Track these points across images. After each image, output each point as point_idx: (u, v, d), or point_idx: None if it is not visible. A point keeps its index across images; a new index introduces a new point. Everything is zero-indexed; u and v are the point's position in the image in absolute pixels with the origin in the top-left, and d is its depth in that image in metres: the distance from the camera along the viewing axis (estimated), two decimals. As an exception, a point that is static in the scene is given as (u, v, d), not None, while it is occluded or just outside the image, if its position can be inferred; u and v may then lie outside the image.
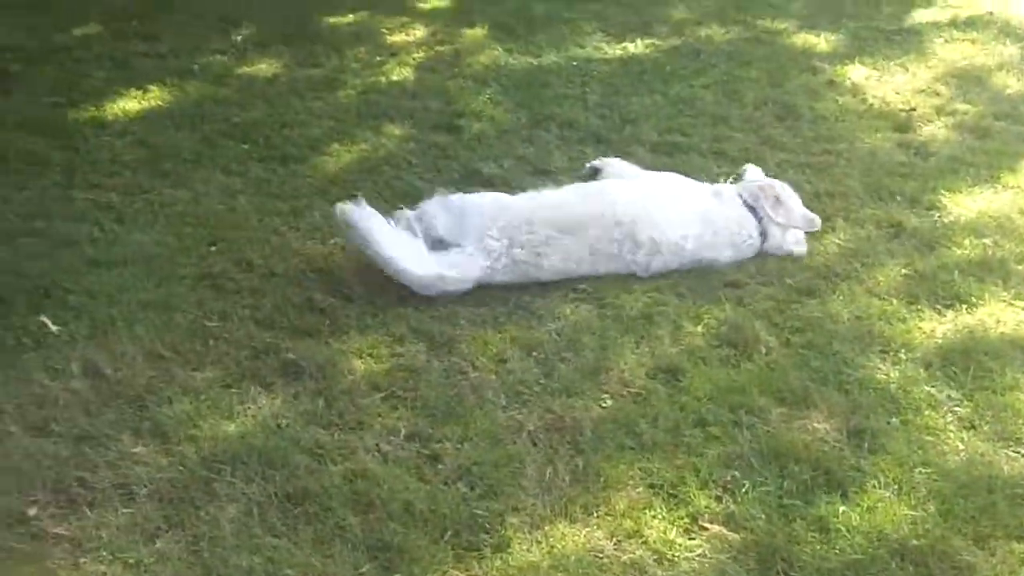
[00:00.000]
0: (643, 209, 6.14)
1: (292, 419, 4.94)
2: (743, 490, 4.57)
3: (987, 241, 6.46)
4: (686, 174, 7.07)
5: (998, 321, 5.74)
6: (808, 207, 6.54)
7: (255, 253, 6.24)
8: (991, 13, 10.39)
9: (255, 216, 6.68)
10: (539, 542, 4.32)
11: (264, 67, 9.09)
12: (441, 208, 6.14)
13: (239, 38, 9.68)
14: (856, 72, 8.98)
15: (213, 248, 6.32)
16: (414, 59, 9.26)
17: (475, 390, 5.17)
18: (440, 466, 4.69)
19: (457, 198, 6.21)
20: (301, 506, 4.46)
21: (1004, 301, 5.89)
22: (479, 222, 5.96)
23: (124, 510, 4.43)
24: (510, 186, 7.00)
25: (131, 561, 4.19)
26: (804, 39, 9.78)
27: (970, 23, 10.15)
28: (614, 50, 9.49)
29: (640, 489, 4.59)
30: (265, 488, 4.53)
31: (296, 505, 4.46)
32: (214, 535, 4.32)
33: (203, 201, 6.87)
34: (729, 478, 4.64)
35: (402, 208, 6.23)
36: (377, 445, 4.80)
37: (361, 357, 5.37)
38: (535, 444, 4.84)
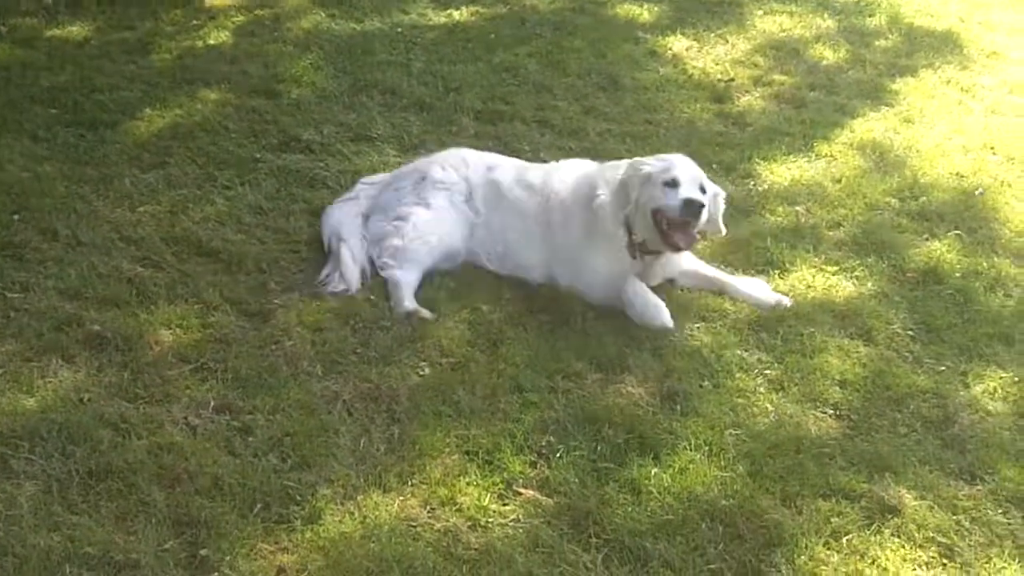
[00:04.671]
0: None
1: (95, 393, 4.77)
2: (558, 455, 4.58)
3: (799, 208, 6.62)
4: (508, 143, 7.10)
5: (808, 286, 5.89)
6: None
7: (60, 222, 6.01)
8: (809, -14, 10.63)
9: (61, 183, 6.43)
10: (352, 513, 4.26)
11: (75, 30, 8.77)
12: None
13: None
14: (677, 43, 9.09)
15: (16, 217, 6.06)
16: (233, 23, 9.03)
17: (289, 360, 5.06)
18: (251, 438, 4.58)
19: None
20: (104, 482, 4.30)
21: (815, 266, 6.04)
22: None
23: (-89, 490, 4.22)
24: (330, 153, 6.90)
25: (-83, 544, 3.99)
26: (627, 10, 9.85)
27: (789, -4, 10.36)
28: (439, 17, 9.42)
29: (456, 456, 4.57)
30: (65, 464, 4.37)
31: (98, 481, 4.31)
32: (10, 514, 4.14)
33: (7, 168, 6.59)
34: (544, 443, 4.66)
35: None
36: (185, 418, 4.66)
37: (170, 327, 5.22)
38: (350, 414, 4.77)
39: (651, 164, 5.72)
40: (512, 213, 5.95)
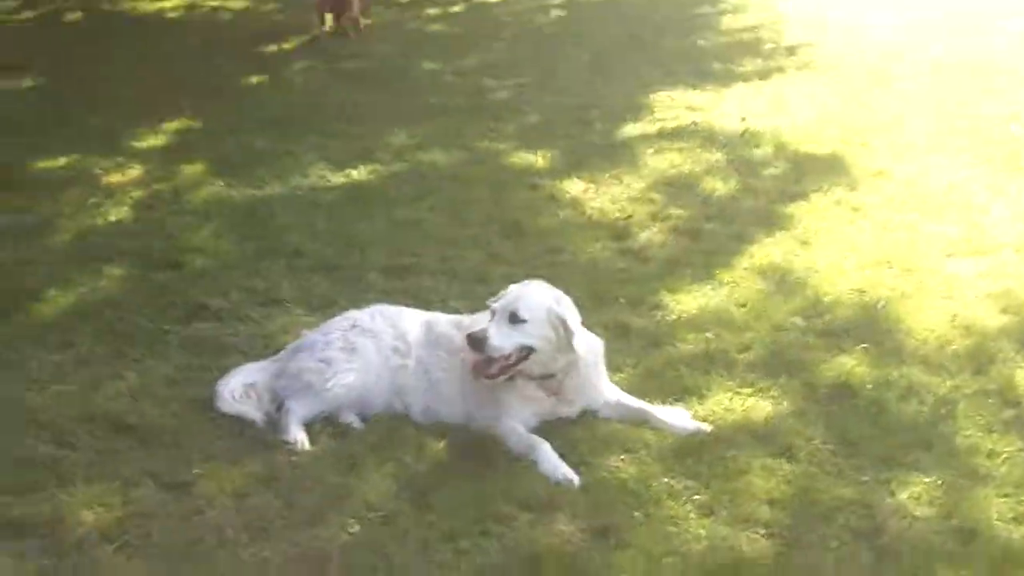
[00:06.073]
0: None
1: (18, 581, 4.64)
2: (498, 602, 4.55)
3: (709, 335, 6.74)
4: (417, 295, 7.17)
5: (727, 409, 5.98)
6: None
7: (-32, 413, 5.89)
8: (695, 123, 11.01)
9: (-33, 373, 6.32)
10: None
11: (-30, 218, 8.72)
12: None
13: (-58, 189, 9.27)
14: (574, 186, 9.31)
15: (-79, 409, 5.93)
16: (132, 198, 9.09)
17: (214, 530, 4.98)
18: (181, 614, 4.49)
19: None
20: (31, 676, 4.17)
21: (730, 390, 6.15)
22: None
23: None
24: (239, 318, 6.91)
25: None
26: (522, 158, 10.10)
27: (676, 133, 10.72)
28: (337, 178, 9.56)
29: (393, 617, 4.52)
30: (-11, 660, 4.23)
31: (26, 676, 4.18)
32: None
33: (-92, 363, 6.47)
34: (482, 591, 4.62)
35: None
36: (113, 599, 4.56)
37: (91, 507, 5.10)
38: (282, 580, 4.70)
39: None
40: (441, 347, 6.08)
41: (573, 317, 5.89)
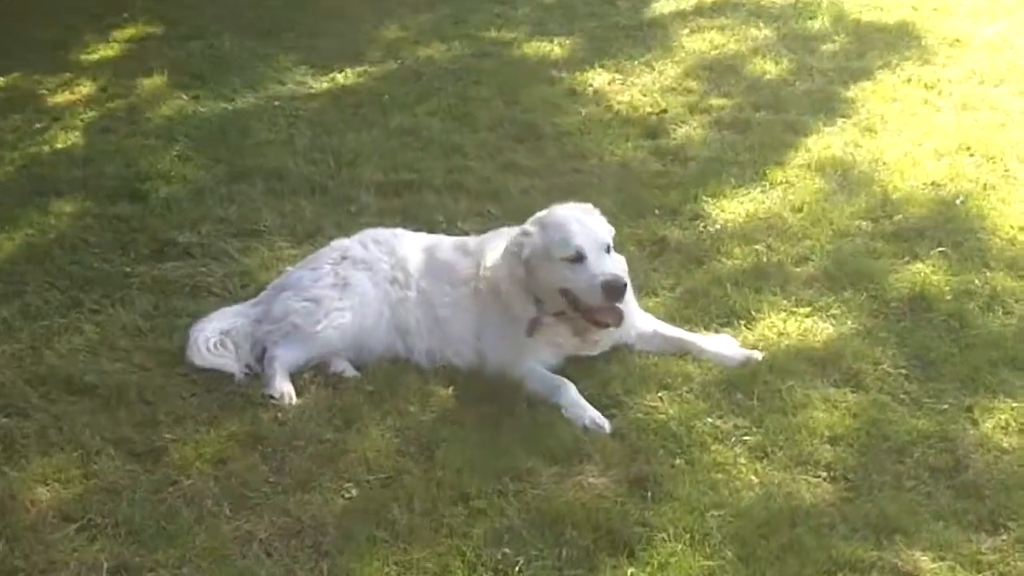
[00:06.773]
0: None
1: (-33, 572, 4.71)
2: (517, 569, 4.57)
3: (759, 247, 6.73)
4: (419, 216, 7.15)
5: (780, 333, 5.97)
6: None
7: (-95, 377, 5.95)
8: (739, -7, 10.91)
9: (-97, 332, 6.37)
10: (284, 671, 4.22)
11: (-101, 152, 8.76)
12: None
13: None
14: (598, 77, 9.26)
15: None
16: (82, 120, 9.12)
17: (190, 502, 5.01)
18: (156, 600, 4.54)
19: None
20: (-13, 676, 4.25)
21: (784, 310, 6.13)
22: None
23: None
24: (212, 255, 6.91)
25: None
26: (536, 47, 10.04)
27: (717, 8, 10.65)
28: (321, 83, 9.55)
29: (399, 587, 4.56)
30: (-58, 660, 4.30)
31: (-19, 675, 4.25)
32: None
33: None
34: (500, 557, 4.63)
35: None
36: (76, 586, 4.61)
37: (46, 483, 5.15)
38: (269, 555, 4.73)
39: (540, 235, 5.76)
40: (444, 280, 6.05)
41: None
